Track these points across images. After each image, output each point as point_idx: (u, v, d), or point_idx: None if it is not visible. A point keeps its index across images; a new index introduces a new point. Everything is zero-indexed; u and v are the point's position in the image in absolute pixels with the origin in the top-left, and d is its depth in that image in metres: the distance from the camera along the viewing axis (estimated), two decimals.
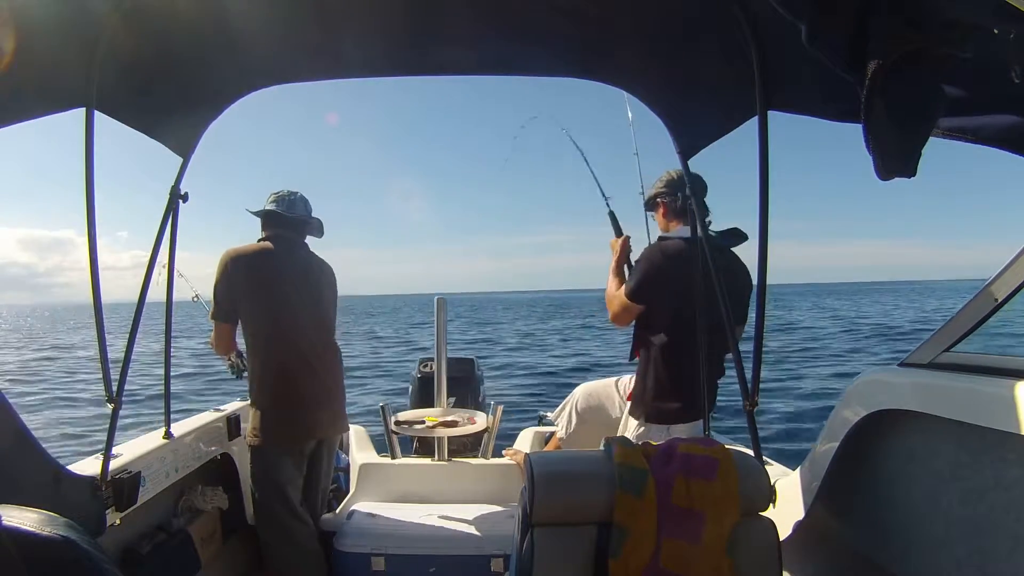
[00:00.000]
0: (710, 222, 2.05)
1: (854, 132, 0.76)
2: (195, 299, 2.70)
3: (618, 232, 2.37)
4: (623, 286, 2.15)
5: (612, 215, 2.39)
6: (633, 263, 2.20)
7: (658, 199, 2.20)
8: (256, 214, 2.23)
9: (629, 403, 2.22)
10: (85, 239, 1.50)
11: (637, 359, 2.19)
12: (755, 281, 1.49)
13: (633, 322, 2.18)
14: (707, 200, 2.06)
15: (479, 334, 25.39)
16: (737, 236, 2.10)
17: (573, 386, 2.65)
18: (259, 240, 2.21)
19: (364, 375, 12.15)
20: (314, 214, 2.31)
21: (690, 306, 1.97)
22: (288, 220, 2.20)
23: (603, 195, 2.48)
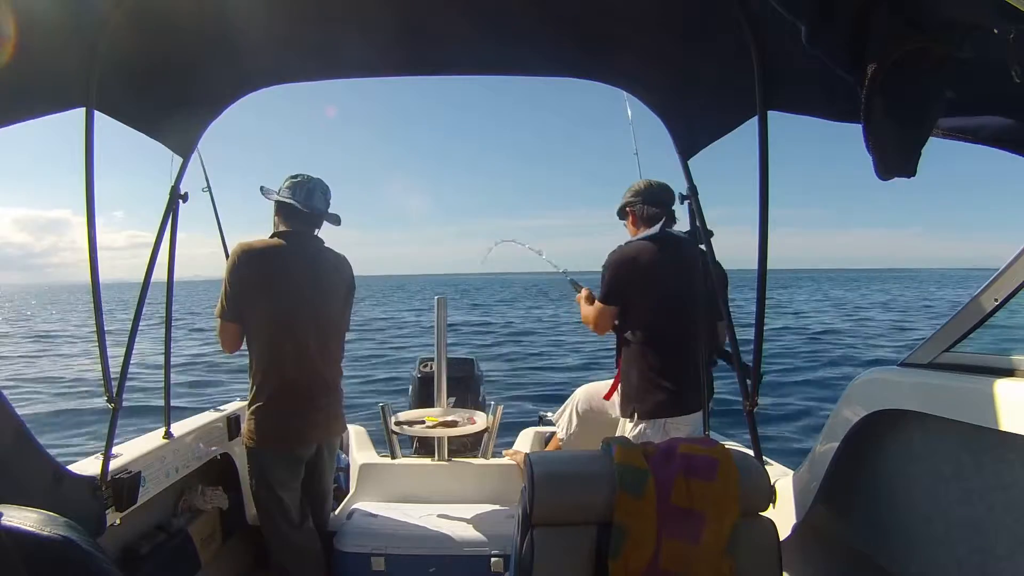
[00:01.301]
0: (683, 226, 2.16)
1: (853, 131, 0.76)
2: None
3: (578, 289, 2.53)
4: (595, 298, 2.25)
5: (572, 281, 2.61)
6: (601, 269, 2.25)
7: (627, 208, 2.29)
8: (270, 199, 2.10)
9: (612, 401, 2.24)
10: (85, 242, 1.50)
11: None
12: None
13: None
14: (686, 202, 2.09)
15: (482, 315, 25.62)
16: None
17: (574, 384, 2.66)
18: (272, 235, 2.11)
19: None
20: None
21: (662, 299, 2.08)
22: (304, 215, 2.08)
23: (556, 267, 2.84)
